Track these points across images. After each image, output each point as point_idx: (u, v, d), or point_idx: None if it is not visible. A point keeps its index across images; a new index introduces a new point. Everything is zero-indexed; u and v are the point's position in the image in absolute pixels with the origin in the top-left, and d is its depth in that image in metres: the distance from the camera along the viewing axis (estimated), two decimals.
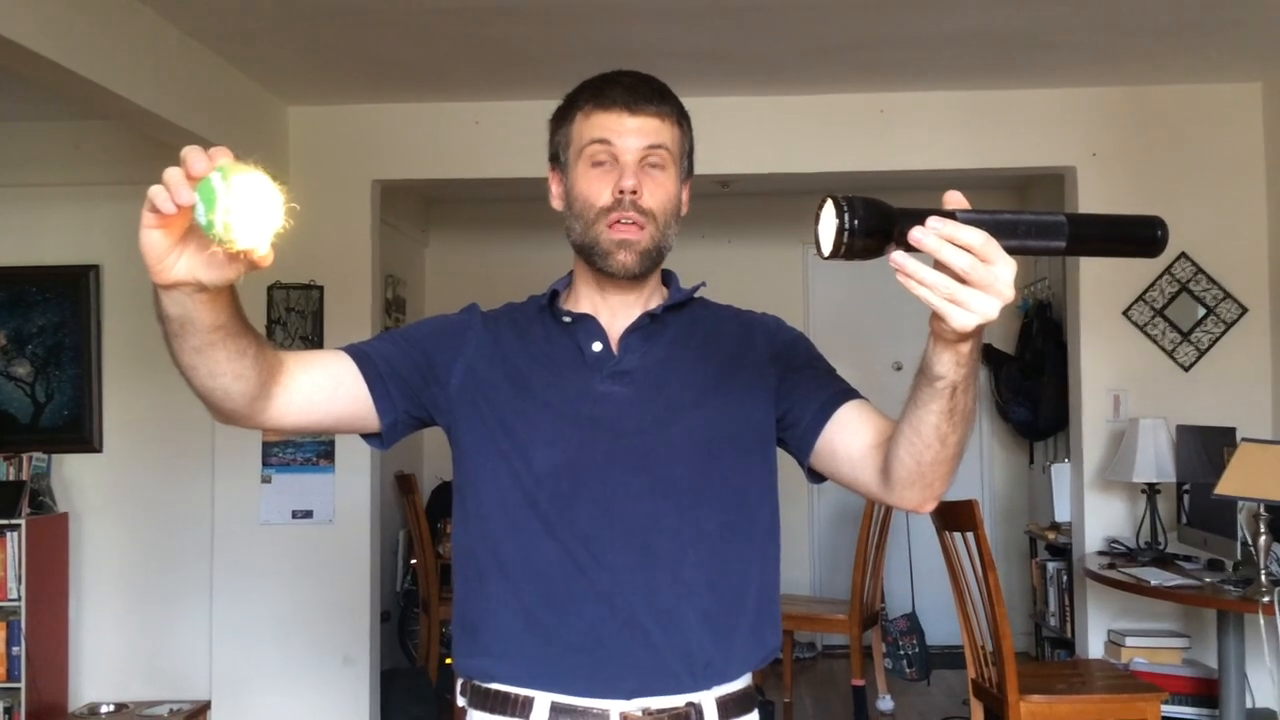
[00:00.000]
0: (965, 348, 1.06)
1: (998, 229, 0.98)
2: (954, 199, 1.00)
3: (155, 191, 1.00)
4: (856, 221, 0.96)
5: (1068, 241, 1.02)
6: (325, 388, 1.34)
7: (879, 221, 0.97)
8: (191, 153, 0.97)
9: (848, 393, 1.39)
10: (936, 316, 1.00)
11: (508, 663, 1.34)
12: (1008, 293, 0.97)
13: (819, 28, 3.69)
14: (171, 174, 0.98)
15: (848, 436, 1.34)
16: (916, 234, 0.96)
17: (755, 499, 1.40)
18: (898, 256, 0.97)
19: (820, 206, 1.00)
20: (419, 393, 1.40)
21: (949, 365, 1.08)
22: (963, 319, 0.98)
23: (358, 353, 1.38)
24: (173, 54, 3.60)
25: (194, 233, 1.03)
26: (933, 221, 0.96)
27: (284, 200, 0.97)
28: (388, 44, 3.81)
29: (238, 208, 0.95)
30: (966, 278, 0.96)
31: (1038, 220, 1.01)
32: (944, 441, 1.17)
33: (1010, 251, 0.97)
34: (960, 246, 0.95)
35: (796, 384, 1.40)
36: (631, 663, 1.30)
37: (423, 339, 1.43)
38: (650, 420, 1.35)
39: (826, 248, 0.99)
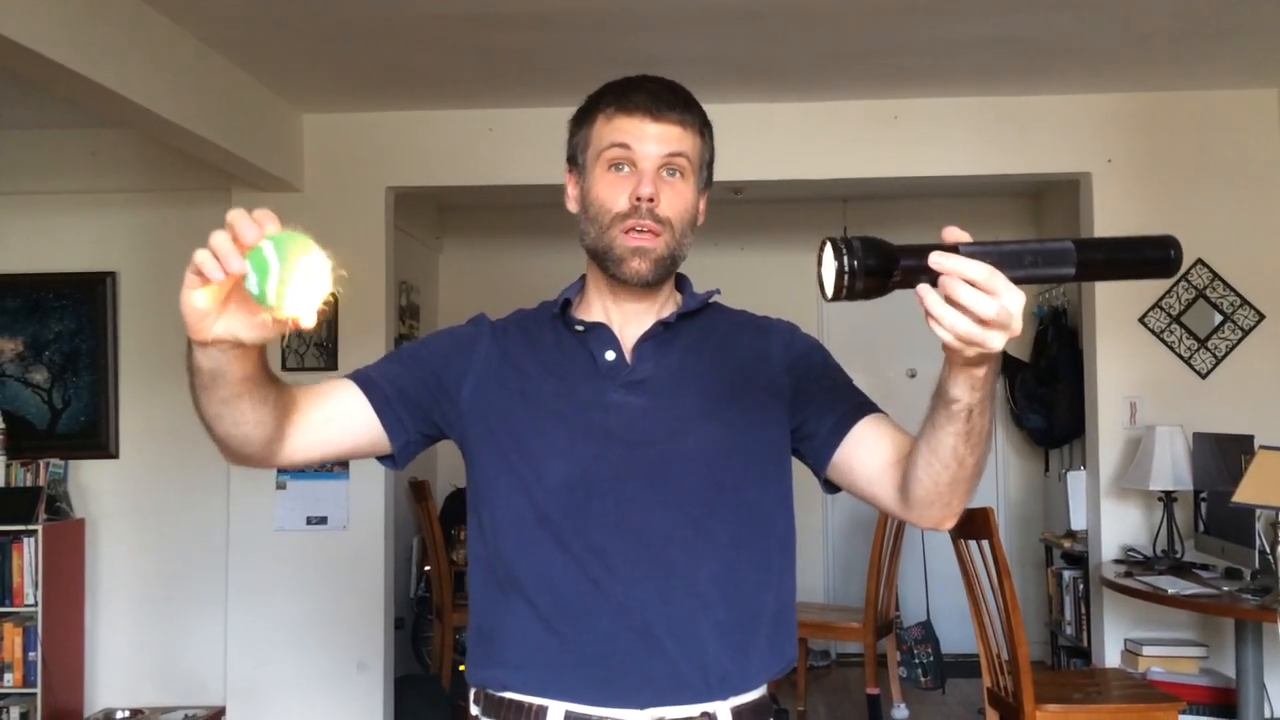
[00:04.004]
0: (980, 371, 1.06)
1: (1003, 260, 0.96)
2: (953, 234, 0.99)
3: (203, 259, 0.99)
4: (856, 263, 0.96)
5: (1077, 268, 1.00)
6: (336, 421, 1.35)
7: (879, 261, 0.97)
8: (240, 220, 0.97)
9: (865, 406, 1.38)
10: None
11: (522, 674, 1.33)
12: (1015, 326, 0.96)
13: (832, 33, 3.69)
14: (220, 241, 0.97)
15: (865, 452, 1.33)
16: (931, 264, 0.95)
17: (769, 510, 1.38)
18: (922, 289, 0.97)
19: (820, 249, 0.99)
20: (429, 411, 1.40)
21: (964, 389, 1.08)
22: (969, 349, 0.99)
23: (364, 380, 1.38)
24: (189, 62, 3.62)
25: (235, 292, 1.03)
26: (935, 258, 0.95)
27: (332, 268, 0.97)
28: (402, 52, 3.83)
29: (291, 278, 0.95)
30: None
31: (1044, 249, 0.99)
32: (961, 463, 1.17)
33: (1017, 282, 0.96)
34: (965, 281, 0.95)
35: (813, 394, 1.39)
36: (646, 674, 1.29)
37: (430, 355, 1.42)
38: (664, 431, 1.34)
39: (829, 290, 0.98)
